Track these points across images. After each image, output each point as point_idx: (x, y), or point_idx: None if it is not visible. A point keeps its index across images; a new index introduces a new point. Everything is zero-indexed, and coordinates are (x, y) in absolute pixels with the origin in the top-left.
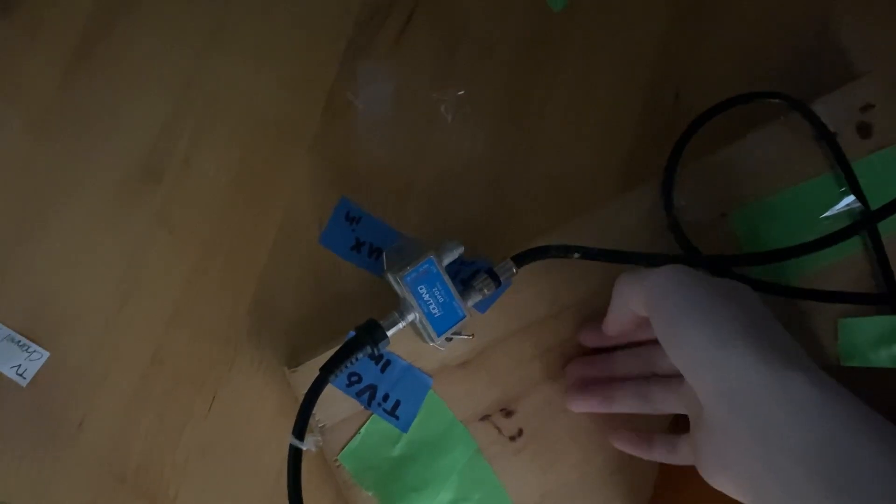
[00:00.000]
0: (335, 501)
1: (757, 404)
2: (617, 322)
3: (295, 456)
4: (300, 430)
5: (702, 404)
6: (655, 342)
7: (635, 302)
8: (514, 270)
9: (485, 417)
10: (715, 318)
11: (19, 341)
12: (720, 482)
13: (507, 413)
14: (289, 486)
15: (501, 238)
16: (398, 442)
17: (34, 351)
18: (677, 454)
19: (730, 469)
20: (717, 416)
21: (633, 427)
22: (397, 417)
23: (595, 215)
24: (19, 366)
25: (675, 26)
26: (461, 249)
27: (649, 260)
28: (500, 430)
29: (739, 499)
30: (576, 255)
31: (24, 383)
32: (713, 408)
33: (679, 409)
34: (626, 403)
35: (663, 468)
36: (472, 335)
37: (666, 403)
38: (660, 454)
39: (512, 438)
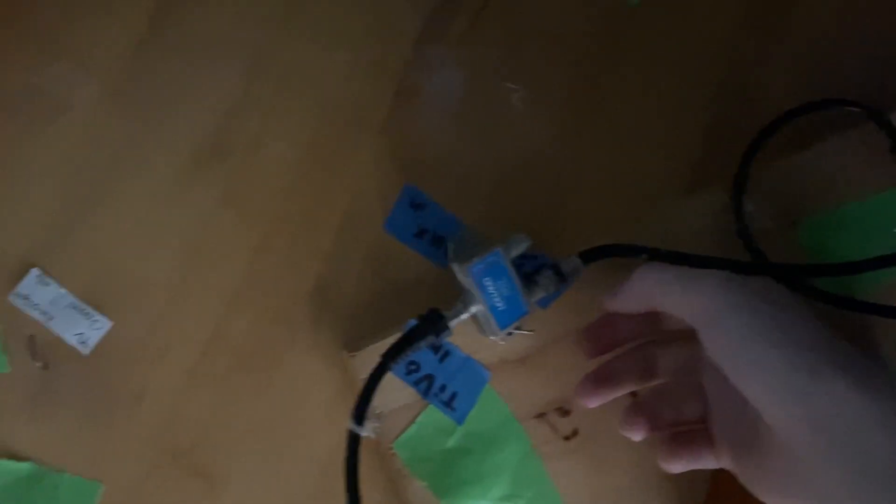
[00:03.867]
0: (385, 490)
1: (855, 432)
2: (625, 307)
3: (353, 441)
4: (360, 416)
5: (775, 430)
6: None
7: (670, 307)
8: (581, 267)
9: (540, 415)
10: (795, 342)
11: (83, 309)
12: None
13: (564, 412)
14: (346, 471)
15: (562, 234)
16: (453, 434)
17: (97, 320)
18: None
19: (820, 494)
20: (807, 446)
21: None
22: (453, 409)
23: (660, 216)
24: (82, 333)
25: (748, 28)
26: (528, 243)
27: (720, 266)
28: (554, 429)
29: None
30: (644, 256)
31: (86, 351)
32: (800, 436)
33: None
34: (630, 379)
35: (716, 476)
36: (533, 331)
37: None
38: (707, 461)
39: (566, 438)
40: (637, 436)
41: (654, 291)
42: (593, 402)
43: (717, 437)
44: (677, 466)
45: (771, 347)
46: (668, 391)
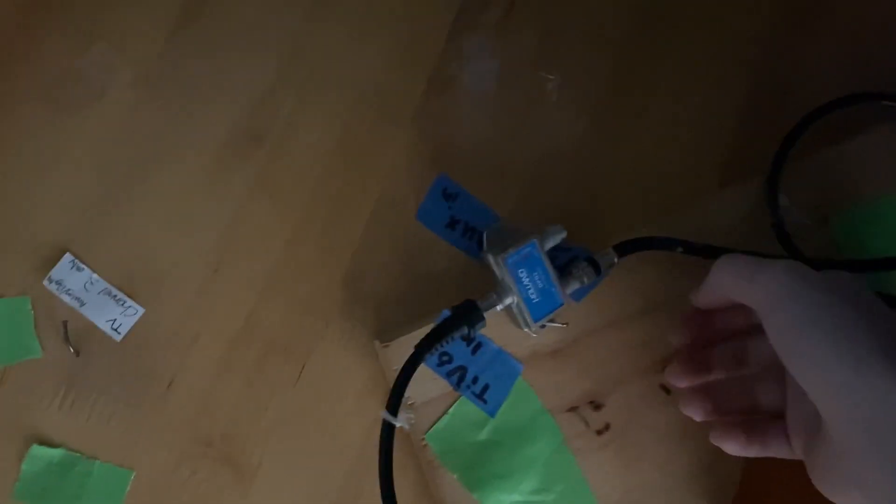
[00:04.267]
0: (416, 482)
1: None
2: (708, 301)
3: (387, 432)
4: (394, 406)
5: (826, 422)
6: (747, 332)
7: (740, 296)
8: (616, 260)
9: (572, 409)
10: (845, 333)
11: (116, 296)
12: (846, 501)
13: (596, 406)
14: (380, 462)
15: (595, 226)
16: (485, 426)
17: (129, 306)
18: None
19: (863, 490)
20: (850, 441)
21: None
22: (485, 401)
23: (695, 210)
24: (114, 320)
25: (785, 22)
26: (563, 235)
27: None
28: (586, 423)
29: None
30: (679, 250)
31: (118, 338)
32: (846, 433)
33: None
34: (721, 367)
35: (746, 474)
36: (566, 324)
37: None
38: (776, 450)
39: (598, 432)
40: (697, 416)
41: (728, 282)
42: (682, 384)
43: (792, 429)
44: (735, 448)
45: (822, 338)
46: (750, 380)
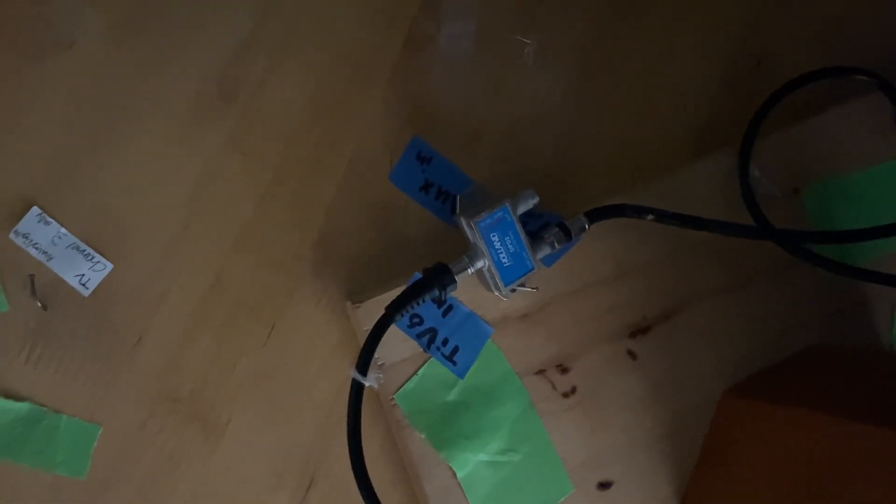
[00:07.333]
0: (384, 441)
1: None
2: None
3: (356, 391)
4: (364, 366)
5: None
6: None
7: None
8: (587, 226)
9: (540, 372)
10: None
11: (84, 250)
12: None
13: (563, 370)
14: (349, 419)
15: (568, 193)
16: (454, 388)
17: (98, 261)
18: None
19: None
20: None
21: None
22: (455, 363)
23: (668, 179)
24: (83, 275)
25: None
26: (536, 200)
27: (725, 229)
28: (553, 386)
29: None
30: (650, 217)
31: (86, 293)
32: None
33: None
34: None
35: (709, 440)
36: (537, 288)
37: None
38: None
39: (565, 395)
40: None
41: None
42: None
43: None
44: None
45: None
46: None
